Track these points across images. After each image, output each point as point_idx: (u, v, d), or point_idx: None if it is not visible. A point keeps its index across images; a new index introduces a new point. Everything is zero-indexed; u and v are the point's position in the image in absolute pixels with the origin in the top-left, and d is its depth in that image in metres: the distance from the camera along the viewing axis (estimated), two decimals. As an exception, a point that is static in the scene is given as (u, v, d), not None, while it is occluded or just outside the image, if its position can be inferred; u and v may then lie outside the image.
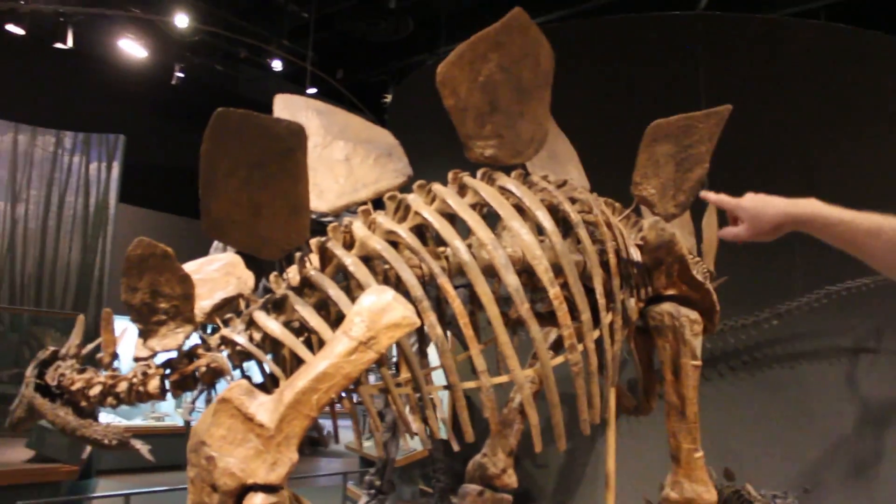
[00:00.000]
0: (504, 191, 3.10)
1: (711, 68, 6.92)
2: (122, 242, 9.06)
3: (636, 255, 3.54)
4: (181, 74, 14.22)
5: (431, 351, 3.10)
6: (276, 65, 14.38)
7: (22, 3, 11.04)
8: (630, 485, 6.02)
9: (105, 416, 10.97)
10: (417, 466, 7.71)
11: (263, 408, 2.32)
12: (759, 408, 6.54)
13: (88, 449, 7.69)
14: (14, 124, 11.71)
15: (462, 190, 3.08)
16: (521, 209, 3.05)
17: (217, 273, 2.97)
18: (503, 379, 2.92)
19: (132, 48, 13.69)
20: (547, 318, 3.36)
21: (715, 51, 7.03)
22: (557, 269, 2.99)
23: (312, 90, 14.48)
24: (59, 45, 12.45)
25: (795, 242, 1.81)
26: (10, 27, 12.67)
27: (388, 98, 15.28)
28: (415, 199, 2.97)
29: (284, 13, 13.05)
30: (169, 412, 11.86)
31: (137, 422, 11.53)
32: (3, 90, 12.71)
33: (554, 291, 2.90)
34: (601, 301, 3.14)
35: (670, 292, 3.67)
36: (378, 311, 2.43)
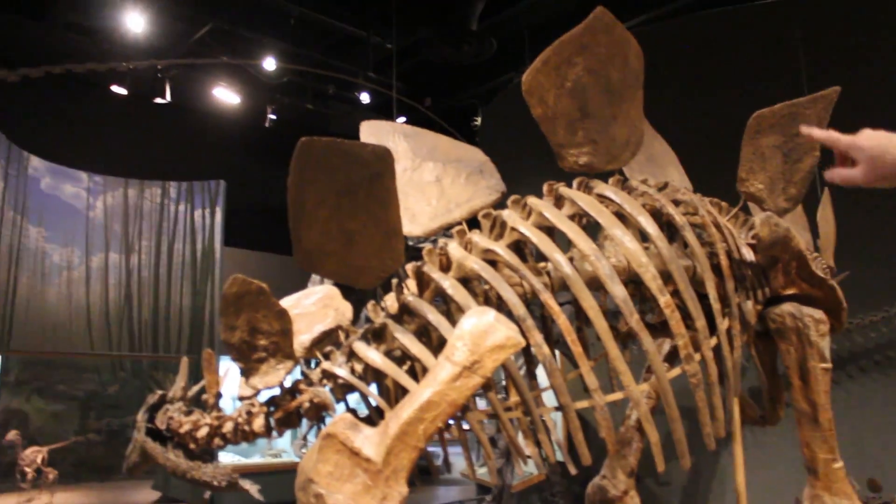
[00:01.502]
0: (603, 198, 2.95)
1: (813, 55, 6.55)
2: (228, 285, 9.29)
3: (749, 255, 3.33)
4: (273, 116, 14.62)
5: (541, 371, 2.97)
6: (364, 97, 14.60)
7: (125, 65, 11.56)
8: (762, 500, 5.68)
9: (224, 456, 11.24)
10: (535, 491, 7.53)
11: (369, 441, 2.25)
12: (898, 411, 6.08)
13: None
14: (124, 180, 12.30)
15: (558, 201, 2.95)
16: (622, 216, 2.90)
17: (314, 306, 2.93)
18: (617, 396, 2.76)
19: (226, 95, 14.19)
20: (658, 328, 3.18)
21: (816, 36, 6.66)
22: (666, 276, 2.83)
23: (401, 119, 14.63)
24: (158, 100, 13.02)
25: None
26: (115, 88, 13.37)
27: (478, 121, 15.28)
28: (510, 215, 2.86)
29: (368, 45, 13.24)
30: (286, 448, 12.02)
31: (256, 459, 11.73)
32: (112, 148, 13.38)
33: (664, 300, 2.73)
34: (716, 306, 2.95)
35: (790, 292, 3.43)
36: (480, 334, 2.33)
